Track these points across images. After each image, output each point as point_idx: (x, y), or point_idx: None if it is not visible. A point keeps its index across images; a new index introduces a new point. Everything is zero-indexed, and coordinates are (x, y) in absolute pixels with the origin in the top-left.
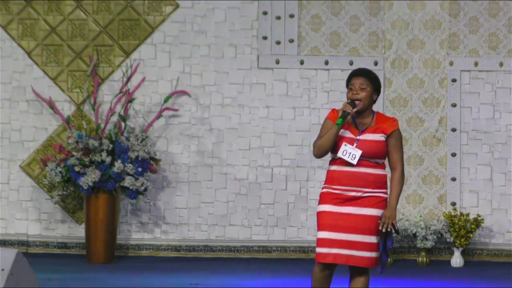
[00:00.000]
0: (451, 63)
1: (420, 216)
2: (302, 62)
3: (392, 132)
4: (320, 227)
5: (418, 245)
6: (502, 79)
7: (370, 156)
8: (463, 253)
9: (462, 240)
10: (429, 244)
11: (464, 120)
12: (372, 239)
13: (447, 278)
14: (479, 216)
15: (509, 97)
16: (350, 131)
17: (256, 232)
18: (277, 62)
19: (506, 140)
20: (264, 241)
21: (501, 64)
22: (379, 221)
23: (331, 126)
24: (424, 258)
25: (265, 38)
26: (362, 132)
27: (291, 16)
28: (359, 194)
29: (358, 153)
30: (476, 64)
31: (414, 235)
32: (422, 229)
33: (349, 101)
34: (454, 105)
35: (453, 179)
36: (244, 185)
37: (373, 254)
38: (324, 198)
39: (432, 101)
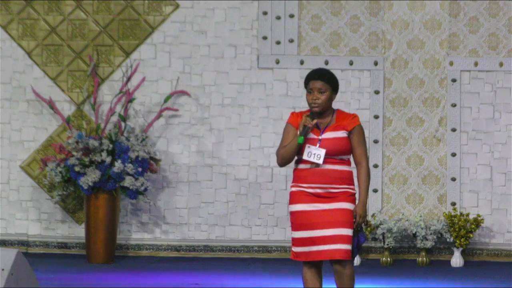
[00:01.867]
0: (451, 63)
1: (420, 216)
2: (302, 62)
3: (353, 128)
4: (295, 227)
5: (418, 245)
6: (502, 79)
7: (334, 154)
8: (463, 253)
9: (462, 240)
10: (429, 244)
11: (464, 120)
12: (348, 231)
13: (447, 278)
14: (479, 216)
15: (509, 97)
16: (312, 132)
17: (256, 232)
18: (277, 62)
19: (506, 140)
20: (264, 241)
21: (501, 64)
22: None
23: (292, 130)
24: (424, 258)
25: (265, 38)
26: (323, 131)
27: (291, 16)
28: (327, 191)
29: (322, 152)
30: (476, 64)
31: (414, 235)
32: (422, 229)
33: (307, 114)
34: (454, 105)
35: (453, 179)
36: (244, 185)
37: (349, 247)
38: (295, 197)
39: (432, 101)
